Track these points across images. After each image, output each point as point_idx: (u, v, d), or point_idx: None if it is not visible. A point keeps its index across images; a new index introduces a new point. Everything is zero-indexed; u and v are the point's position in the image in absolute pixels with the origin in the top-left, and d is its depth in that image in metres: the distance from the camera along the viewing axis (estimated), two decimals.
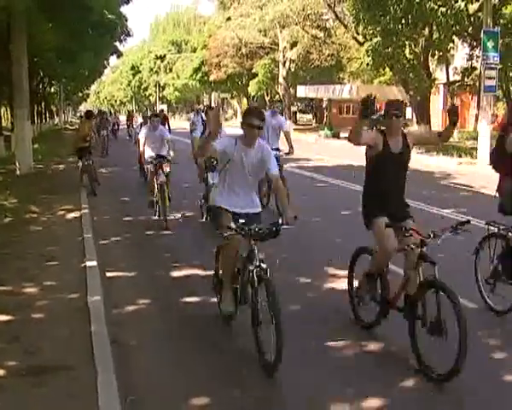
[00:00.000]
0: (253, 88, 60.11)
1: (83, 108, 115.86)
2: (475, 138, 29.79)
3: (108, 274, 8.28)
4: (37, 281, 7.69)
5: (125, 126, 41.72)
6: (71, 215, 12.35)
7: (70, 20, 22.78)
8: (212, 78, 64.19)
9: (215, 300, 6.78)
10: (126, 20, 32.43)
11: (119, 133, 41.54)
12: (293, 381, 5.24)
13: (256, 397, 4.97)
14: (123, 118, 56.94)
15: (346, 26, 39.04)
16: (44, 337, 5.89)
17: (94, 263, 8.48)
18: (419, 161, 26.93)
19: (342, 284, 7.99)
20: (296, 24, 48.63)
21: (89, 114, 18.52)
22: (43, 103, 51.55)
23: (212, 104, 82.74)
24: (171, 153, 12.23)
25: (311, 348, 5.94)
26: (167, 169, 12.09)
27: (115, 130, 40.56)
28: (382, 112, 6.50)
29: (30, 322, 6.30)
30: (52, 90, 59.29)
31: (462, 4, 26.99)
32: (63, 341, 5.83)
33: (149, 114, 21.66)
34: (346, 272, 8.39)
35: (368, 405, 4.81)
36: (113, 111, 65.05)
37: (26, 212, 12.54)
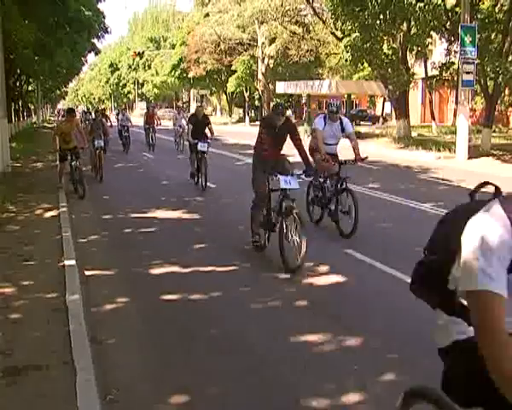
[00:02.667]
0: (232, 84, 60.15)
1: (61, 105, 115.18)
2: (454, 133, 30.05)
3: (87, 273, 8.22)
4: (15, 281, 7.59)
5: (141, 131, 31.38)
6: (49, 214, 12.24)
7: (45, 16, 22.62)
8: (191, 74, 64.19)
9: (194, 296, 6.75)
10: (104, 17, 32.22)
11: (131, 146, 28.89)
12: (273, 377, 5.23)
13: (237, 394, 4.95)
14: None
15: (324, 22, 39.07)
16: (22, 338, 5.82)
17: (72, 262, 8.40)
18: (398, 155, 27.12)
19: (320, 279, 8.02)
20: (275, 20, 48.63)
21: (70, 111, 16.57)
22: (20, 101, 51.04)
23: (191, 101, 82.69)
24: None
25: (289, 342, 5.93)
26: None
27: (126, 137, 28.59)
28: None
29: (7, 322, 6.21)
30: (30, 87, 58.76)
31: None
32: (41, 341, 5.76)
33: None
34: (324, 268, 8.45)
35: (347, 399, 4.80)
36: (117, 108, 57.00)
37: (2, 211, 12.40)
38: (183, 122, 26.58)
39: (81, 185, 14.68)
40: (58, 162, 16.14)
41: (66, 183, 15.60)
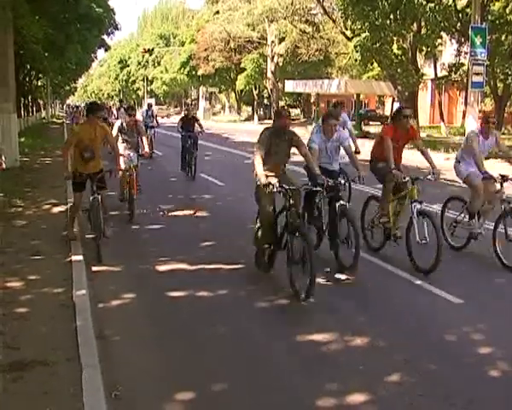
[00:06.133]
0: (241, 82, 60.12)
1: (70, 101, 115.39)
2: (463, 134, 29.91)
3: (94, 268, 8.23)
4: (22, 275, 7.62)
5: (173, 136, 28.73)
6: (56, 209, 12.26)
7: (56, 13, 22.67)
8: (200, 72, 64.14)
9: (200, 294, 6.76)
10: (114, 14, 32.29)
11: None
12: (278, 375, 5.23)
13: (241, 392, 4.96)
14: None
15: (334, 21, 39.03)
16: (28, 333, 5.84)
17: (80, 257, 8.43)
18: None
19: (328, 278, 8.00)
20: (284, 18, 48.60)
21: (95, 108, 9.63)
22: (29, 97, 51.17)
23: (200, 98, 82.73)
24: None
25: (294, 341, 5.93)
26: None
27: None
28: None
29: (14, 317, 6.23)
30: (39, 83, 58.89)
31: (451, 0, 27.09)
32: (48, 336, 5.78)
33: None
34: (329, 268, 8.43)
35: (352, 400, 4.80)
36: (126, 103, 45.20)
37: (10, 206, 12.43)
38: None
39: (107, 226, 9.48)
40: (71, 198, 10.84)
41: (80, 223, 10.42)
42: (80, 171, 9.32)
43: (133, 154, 12.21)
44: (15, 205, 12.59)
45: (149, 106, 26.18)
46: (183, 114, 20.94)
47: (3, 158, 19.10)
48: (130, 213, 11.63)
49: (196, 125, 18.30)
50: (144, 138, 12.47)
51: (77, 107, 34.39)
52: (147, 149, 12.56)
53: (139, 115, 25.34)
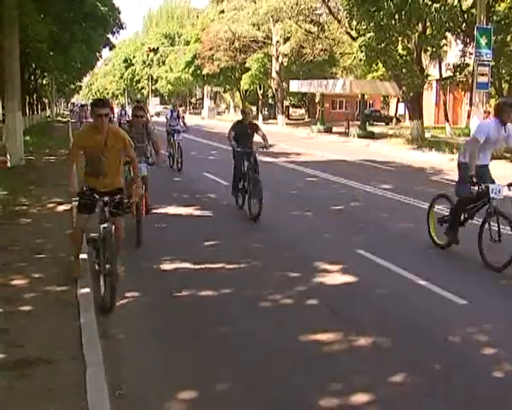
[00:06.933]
0: (245, 82, 60.11)
1: (75, 100, 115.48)
2: (467, 135, 29.87)
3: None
4: (26, 273, 7.63)
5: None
6: (61, 208, 12.27)
7: (61, 11, 22.71)
8: (204, 71, 64.14)
9: (204, 293, 6.77)
10: (119, 13, 32.30)
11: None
12: (281, 375, 5.23)
13: (244, 392, 4.96)
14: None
15: (339, 21, 38.96)
16: (33, 330, 5.85)
17: (84, 256, 8.43)
18: (411, 156, 27.03)
19: (331, 279, 8.01)
20: (289, 18, 48.55)
21: (99, 105, 7.07)
22: (34, 95, 51.28)
23: (205, 98, 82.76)
24: None
25: (298, 341, 5.93)
26: None
27: (178, 145, 19.59)
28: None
29: (18, 315, 6.25)
30: (44, 81, 59.05)
31: (456, 1, 27.05)
32: (52, 334, 5.79)
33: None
34: (335, 267, 8.45)
35: (355, 400, 4.80)
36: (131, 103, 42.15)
37: (15, 204, 12.45)
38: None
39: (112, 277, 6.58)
40: (75, 215, 8.41)
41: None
42: (91, 187, 7.15)
43: (143, 163, 9.82)
44: (20, 203, 12.61)
45: (174, 106, 21.49)
46: (236, 120, 14.37)
47: (8, 156, 19.17)
48: (138, 237, 9.49)
49: (259, 135, 12.90)
50: (157, 143, 10.32)
51: (82, 106, 33.18)
52: (153, 152, 10.52)
53: (160, 117, 23.25)
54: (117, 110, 34.64)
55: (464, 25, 28.33)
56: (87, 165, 7.34)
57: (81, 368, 5.03)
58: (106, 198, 6.95)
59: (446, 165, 23.69)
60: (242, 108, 14.10)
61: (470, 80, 30.44)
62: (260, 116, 62.55)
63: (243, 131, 12.69)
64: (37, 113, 56.56)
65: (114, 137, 7.11)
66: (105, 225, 6.86)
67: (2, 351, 5.35)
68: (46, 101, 76.20)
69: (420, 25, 29.69)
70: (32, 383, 4.82)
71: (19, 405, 4.52)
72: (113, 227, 7.02)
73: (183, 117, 20.91)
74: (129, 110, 29.97)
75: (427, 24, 29.10)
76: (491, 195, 8.67)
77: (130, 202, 7.38)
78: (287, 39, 52.67)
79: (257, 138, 12.84)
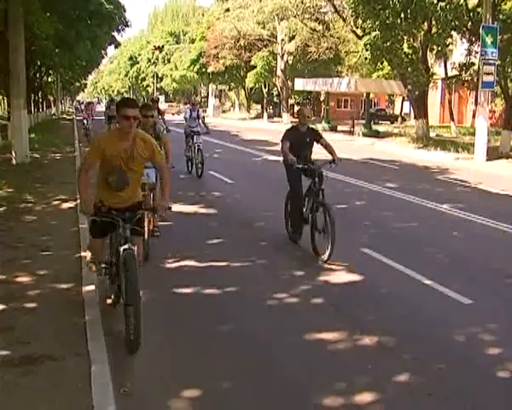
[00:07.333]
0: (250, 80, 60.04)
1: (80, 97, 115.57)
2: (473, 134, 29.83)
3: (103, 265, 8.24)
4: (31, 270, 7.65)
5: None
6: (66, 205, 12.30)
7: (67, 9, 22.72)
8: (210, 69, 64.20)
9: (209, 291, 6.77)
10: (124, 11, 32.26)
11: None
12: (286, 373, 5.23)
13: (249, 390, 4.96)
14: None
15: (344, 20, 38.89)
16: (38, 327, 5.87)
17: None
18: (416, 155, 26.99)
19: (336, 277, 8.01)
20: (295, 16, 48.51)
21: (129, 104, 5.85)
22: (40, 93, 51.37)
23: (210, 96, 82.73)
24: None
25: (303, 340, 5.93)
26: None
27: (197, 149, 17.50)
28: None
29: (23, 311, 6.27)
30: (49, 79, 59.05)
31: None
32: (57, 331, 5.81)
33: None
34: (340, 267, 8.44)
35: (360, 399, 4.80)
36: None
37: (20, 201, 12.48)
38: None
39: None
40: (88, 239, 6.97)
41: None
42: (106, 203, 5.93)
43: (149, 169, 8.30)
44: (25, 200, 12.64)
45: (193, 104, 18.76)
46: (290, 125, 11.79)
47: (13, 154, 19.23)
48: (145, 251, 8.10)
49: (321, 145, 9.76)
50: (166, 146, 9.22)
51: (88, 103, 32.29)
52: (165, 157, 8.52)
53: (177, 117, 20.88)
54: None
55: (470, 23, 28.23)
56: (102, 176, 6.00)
57: (86, 365, 5.05)
58: (127, 214, 5.85)
59: (451, 164, 23.67)
60: (300, 108, 10.34)
61: (476, 79, 30.32)
62: (265, 114, 62.53)
63: (301, 140, 9.51)
64: (43, 110, 56.68)
65: (142, 145, 5.91)
66: (126, 246, 5.72)
67: (7, 348, 5.37)
68: (51, 98, 76.28)
69: (425, 23, 29.61)
70: (36, 379, 4.83)
71: (24, 401, 4.53)
72: (136, 250, 5.80)
73: (204, 117, 18.68)
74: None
75: (433, 22, 29.01)
76: None
77: (161, 214, 6.43)
78: (292, 37, 52.61)
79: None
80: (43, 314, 6.22)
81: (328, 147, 9.59)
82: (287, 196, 10.03)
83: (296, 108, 68.59)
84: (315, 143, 9.67)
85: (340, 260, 8.54)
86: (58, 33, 24.48)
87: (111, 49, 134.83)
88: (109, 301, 6.30)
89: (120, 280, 5.84)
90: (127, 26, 32.69)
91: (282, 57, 53.98)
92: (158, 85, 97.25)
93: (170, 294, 7.26)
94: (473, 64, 31.46)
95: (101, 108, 63.47)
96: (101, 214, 5.85)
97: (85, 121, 29.58)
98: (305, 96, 67.95)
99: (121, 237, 5.80)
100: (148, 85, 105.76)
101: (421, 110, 32.77)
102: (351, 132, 39.22)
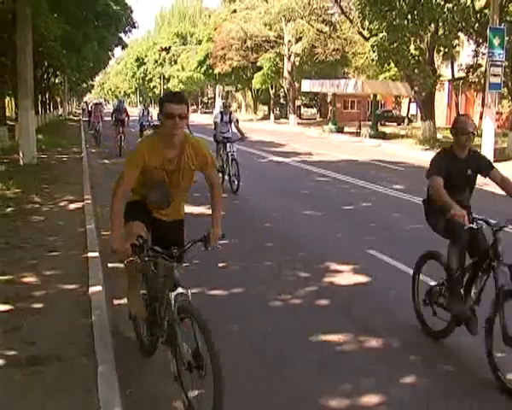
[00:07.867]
0: (257, 81, 60.07)
1: (87, 98, 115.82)
2: (479, 136, 29.73)
3: (110, 265, 8.26)
4: (38, 271, 7.67)
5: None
6: (73, 206, 12.33)
7: (73, 10, 22.78)
8: (216, 70, 64.22)
9: (214, 292, 6.76)
10: (131, 12, 32.40)
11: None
12: (291, 375, 5.23)
13: (253, 392, 4.97)
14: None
15: (351, 21, 38.90)
16: (45, 328, 5.88)
17: (96, 254, 8.47)
18: (423, 156, 26.94)
19: (342, 279, 8.01)
20: (301, 18, 48.56)
21: (175, 100, 4.53)
22: (47, 94, 51.53)
23: (217, 97, 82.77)
24: None
25: (308, 341, 5.93)
26: None
27: (232, 159, 15.60)
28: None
29: (30, 312, 6.28)
30: (57, 80, 59.23)
31: (469, 1, 26.92)
32: (64, 331, 5.81)
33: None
34: (346, 267, 8.44)
35: (365, 401, 4.80)
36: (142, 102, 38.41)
37: (28, 202, 12.52)
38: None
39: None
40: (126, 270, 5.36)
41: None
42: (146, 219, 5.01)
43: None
44: (32, 201, 12.67)
45: (225, 106, 16.78)
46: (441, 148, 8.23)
47: (21, 154, 19.28)
48: None
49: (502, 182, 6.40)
50: None
51: (96, 104, 30.35)
52: None
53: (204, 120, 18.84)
54: (138, 110, 33.30)
55: (477, 25, 28.19)
56: (139, 192, 5.02)
57: (93, 365, 5.05)
58: (175, 250, 4.58)
59: None
60: (457, 116, 6.32)
61: (483, 81, 30.30)
62: (272, 116, 62.53)
63: (460, 172, 5.97)
64: (50, 111, 56.82)
65: (192, 154, 4.79)
66: (180, 290, 4.47)
67: (14, 348, 5.38)
68: (58, 99, 76.50)
69: (432, 25, 29.57)
70: (43, 379, 4.84)
71: (31, 401, 4.54)
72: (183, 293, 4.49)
73: (237, 121, 16.12)
74: (153, 111, 25.51)
75: (440, 24, 28.97)
76: None
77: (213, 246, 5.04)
78: (299, 39, 52.65)
79: None
80: (50, 315, 6.23)
81: (506, 181, 6.03)
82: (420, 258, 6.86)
83: (303, 110, 68.88)
84: (480, 176, 6.16)
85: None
86: (65, 35, 24.55)
87: (118, 51, 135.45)
88: (173, 368, 4.63)
89: (179, 341, 4.38)
90: (134, 27, 32.84)
91: (289, 58, 54.00)
92: (165, 87, 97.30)
93: None
94: (480, 65, 31.44)
95: (107, 109, 63.51)
96: (143, 254, 4.53)
97: (94, 122, 28.32)
98: (312, 98, 67.99)
99: (171, 279, 4.50)
100: (154, 87, 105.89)
101: (427, 112, 32.72)
102: (357, 134, 39.17)
